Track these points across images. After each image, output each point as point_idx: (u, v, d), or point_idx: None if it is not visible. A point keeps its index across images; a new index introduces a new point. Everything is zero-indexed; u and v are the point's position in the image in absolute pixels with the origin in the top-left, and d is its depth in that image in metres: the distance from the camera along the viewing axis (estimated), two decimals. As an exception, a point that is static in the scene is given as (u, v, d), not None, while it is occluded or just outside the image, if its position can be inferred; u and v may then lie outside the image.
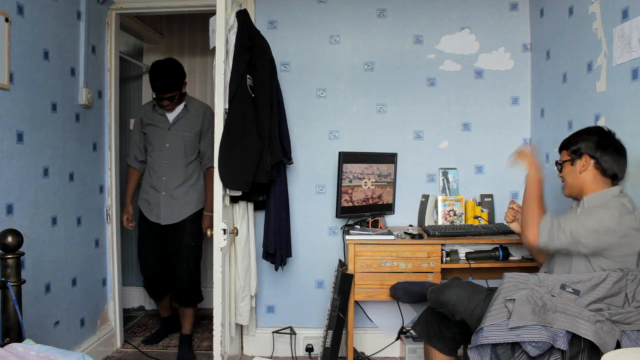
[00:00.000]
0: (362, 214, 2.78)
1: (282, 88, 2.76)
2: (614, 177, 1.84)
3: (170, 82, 2.75)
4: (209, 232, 2.48)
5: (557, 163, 1.97)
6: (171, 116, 2.88)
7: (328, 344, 2.49)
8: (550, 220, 1.78)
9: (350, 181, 2.67)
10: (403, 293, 2.40)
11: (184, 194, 2.85)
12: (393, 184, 2.91)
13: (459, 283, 1.99)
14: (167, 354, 2.93)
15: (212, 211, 2.57)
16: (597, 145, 1.83)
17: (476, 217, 2.77)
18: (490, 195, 2.90)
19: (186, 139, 2.85)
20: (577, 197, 1.92)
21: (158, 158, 2.86)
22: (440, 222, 2.76)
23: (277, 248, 2.62)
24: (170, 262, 2.90)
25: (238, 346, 2.88)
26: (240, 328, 2.89)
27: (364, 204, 2.76)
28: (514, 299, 1.61)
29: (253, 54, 2.40)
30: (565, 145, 1.94)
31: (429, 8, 2.93)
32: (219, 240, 2.08)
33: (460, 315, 1.88)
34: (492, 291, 1.87)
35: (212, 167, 2.56)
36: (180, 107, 2.88)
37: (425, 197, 2.84)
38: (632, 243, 1.67)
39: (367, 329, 2.93)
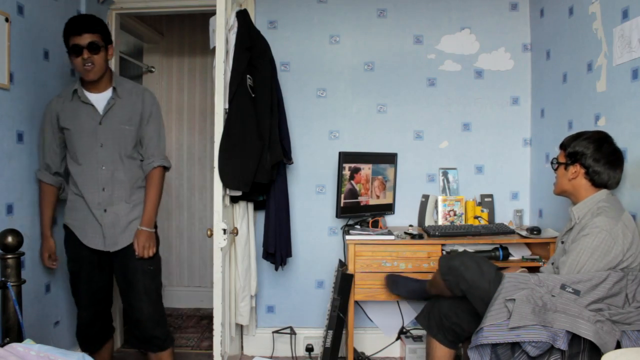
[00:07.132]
0: (362, 214, 2.78)
1: (282, 88, 2.76)
2: (604, 186, 1.86)
3: (91, 20, 2.08)
4: (145, 252, 2.13)
5: (552, 162, 2.00)
6: (100, 103, 2.15)
7: (328, 344, 2.49)
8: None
9: (351, 181, 2.68)
10: (394, 284, 2.42)
11: (131, 209, 2.18)
12: (393, 184, 2.91)
13: (472, 255, 2.06)
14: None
15: (150, 226, 2.18)
16: (592, 155, 1.84)
17: (476, 217, 2.77)
18: (491, 195, 2.89)
19: (125, 133, 2.17)
20: (567, 197, 1.98)
21: (90, 164, 2.12)
22: (441, 222, 2.76)
23: (277, 248, 2.62)
24: (124, 297, 2.23)
25: (238, 346, 2.88)
26: (240, 328, 2.88)
27: (364, 204, 2.76)
28: (514, 299, 1.61)
29: (253, 54, 2.40)
30: (564, 145, 1.95)
31: (429, 8, 2.93)
32: (219, 240, 2.08)
33: (466, 284, 1.90)
34: (499, 269, 1.93)
35: (161, 167, 2.24)
36: (108, 91, 2.18)
37: (426, 197, 2.84)
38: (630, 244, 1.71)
39: (367, 329, 2.93)
